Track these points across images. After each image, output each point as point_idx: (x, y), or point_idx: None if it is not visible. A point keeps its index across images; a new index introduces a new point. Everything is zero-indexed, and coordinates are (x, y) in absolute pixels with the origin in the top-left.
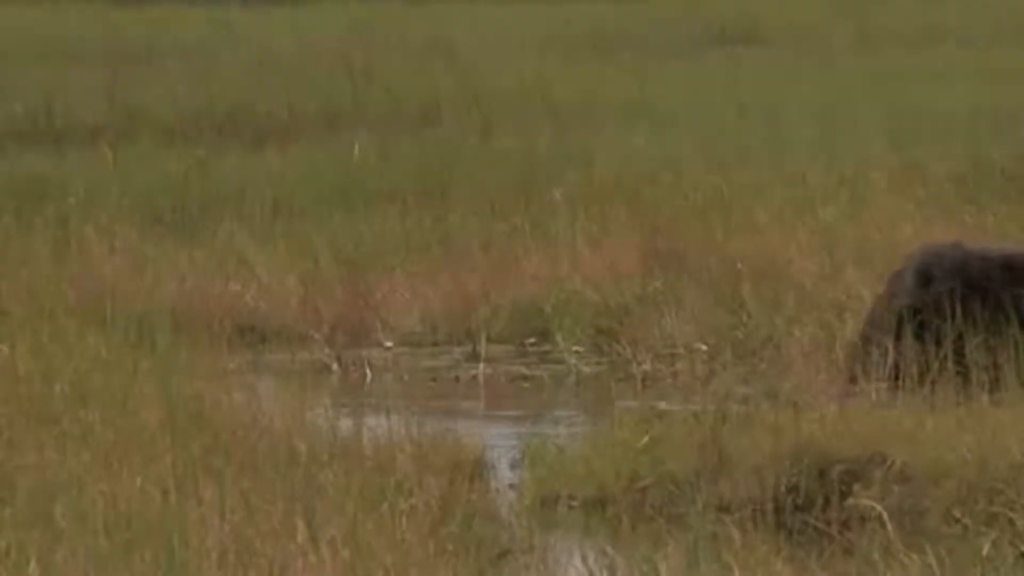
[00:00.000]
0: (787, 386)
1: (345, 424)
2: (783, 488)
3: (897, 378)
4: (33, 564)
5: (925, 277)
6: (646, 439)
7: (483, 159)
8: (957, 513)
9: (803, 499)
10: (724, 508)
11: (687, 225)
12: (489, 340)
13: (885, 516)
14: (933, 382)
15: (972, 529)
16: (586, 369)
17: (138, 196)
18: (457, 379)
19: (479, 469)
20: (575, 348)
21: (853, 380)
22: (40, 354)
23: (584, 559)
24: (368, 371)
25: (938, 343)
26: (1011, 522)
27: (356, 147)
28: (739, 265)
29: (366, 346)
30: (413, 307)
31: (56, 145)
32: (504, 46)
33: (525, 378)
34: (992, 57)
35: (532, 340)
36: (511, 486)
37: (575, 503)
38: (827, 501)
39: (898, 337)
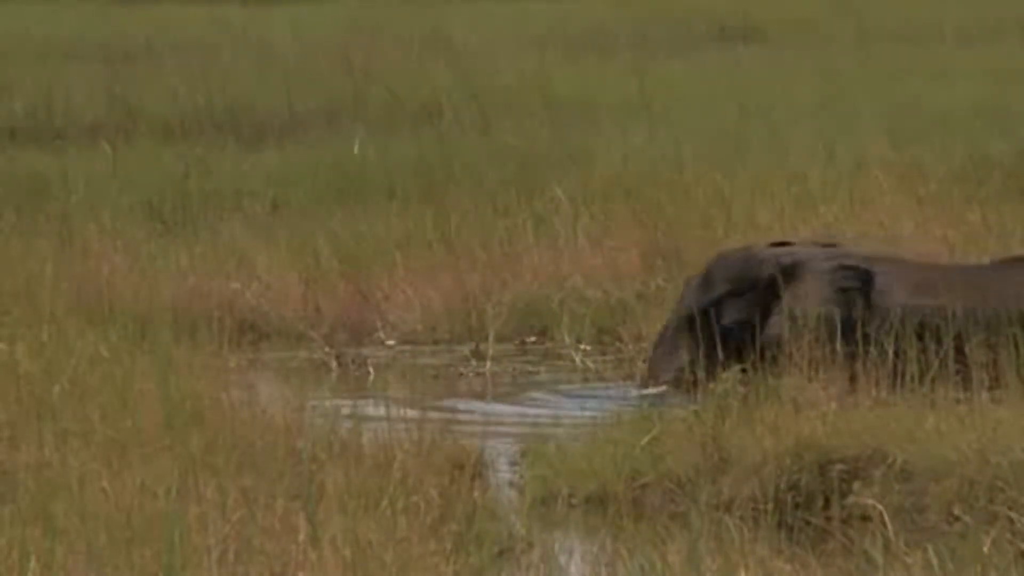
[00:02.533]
0: (788, 384)
1: (345, 422)
2: (783, 486)
3: (692, 379)
4: (33, 562)
5: (707, 281)
6: (647, 437)
7: (483, 157)
8: (958, 511)
9: (803, 497)
10: (724, 506)
11: (688, 223)
12: (489, 339)
13: (886, 514)
14: (712, 384)
15: (973, 527)
16: (592, 367)
17: (138, 194)
18: (461, 375)
19: (480, 467)
20: (582, 347)
21: (645, 382)
22: (40, 352)
23: (585, 557)
24: (371, 369)
25: (716, 345)
26: (1011, 520)
27: (356, 145)
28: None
29: (367, 344)
30: (414, 305)
31: (56, 143)
32: (504, 43)
33: (530, 375)
34: (993, 55)
35: (532, 338)
36: (512, 484)
37: (575, 501)
38: (827, 499)
39: (685, 339)
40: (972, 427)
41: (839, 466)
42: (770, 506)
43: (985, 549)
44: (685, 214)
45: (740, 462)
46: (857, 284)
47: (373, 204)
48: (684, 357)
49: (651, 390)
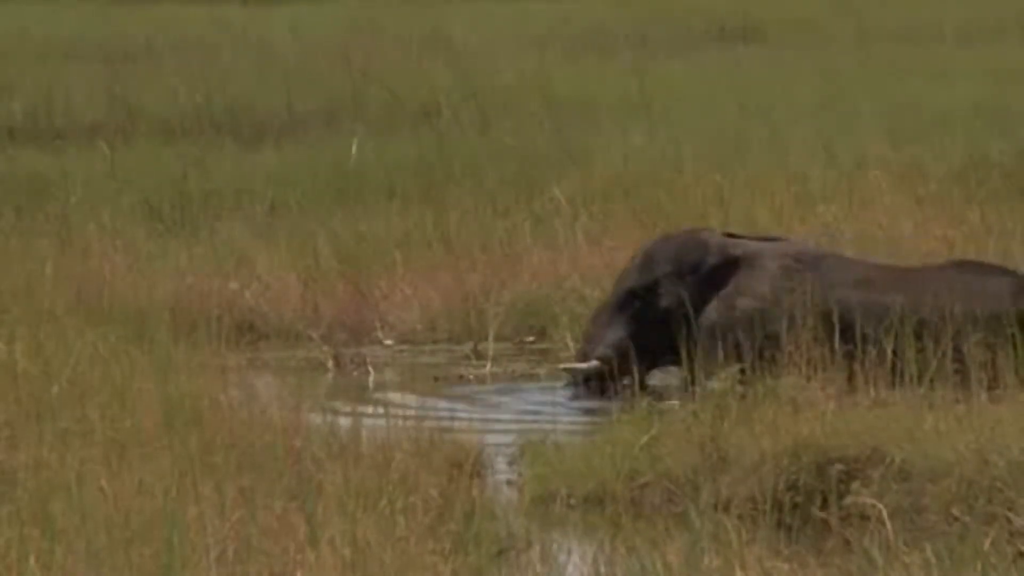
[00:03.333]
0: (786, 383)
1: (344, 422)
2: (782, 486)
3: (619, 357)
4: (32, 561)
5: (649, 261)
6: (646, 437)
7: (483, 156)
8: (956, 511)
9: (802, 497)
10: (723, 506)
11: (688, 223)
12: (488, 338)
13: (884, 514)
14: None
15: (971, 527)
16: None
17: (137, 194)
18: (461, 377)
19: (478, 467)
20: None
21: (583, 357)
22: (39, 352)
23: (583, 557)
24: (371, 369)
25: (655, 325)
26: (1009, 520)
27: (354, 146)
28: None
29: (366, 344)
30: (413, 305)
31: (55, 143)
32: (504, 43)
33: (530, 376)
34: (993, 55)
35: (532, 338)
36: (510, 483)
37: (574, 501)
38: (826, 499)
39: (621, 317)
40: (971, 427)
41: (838, 466)
42: (769, 506)
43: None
44: (685, 214)
45: (739, 462)
46: (801, 281)
47: (372, 204)
48: (618, 334)
49: (581, 365)
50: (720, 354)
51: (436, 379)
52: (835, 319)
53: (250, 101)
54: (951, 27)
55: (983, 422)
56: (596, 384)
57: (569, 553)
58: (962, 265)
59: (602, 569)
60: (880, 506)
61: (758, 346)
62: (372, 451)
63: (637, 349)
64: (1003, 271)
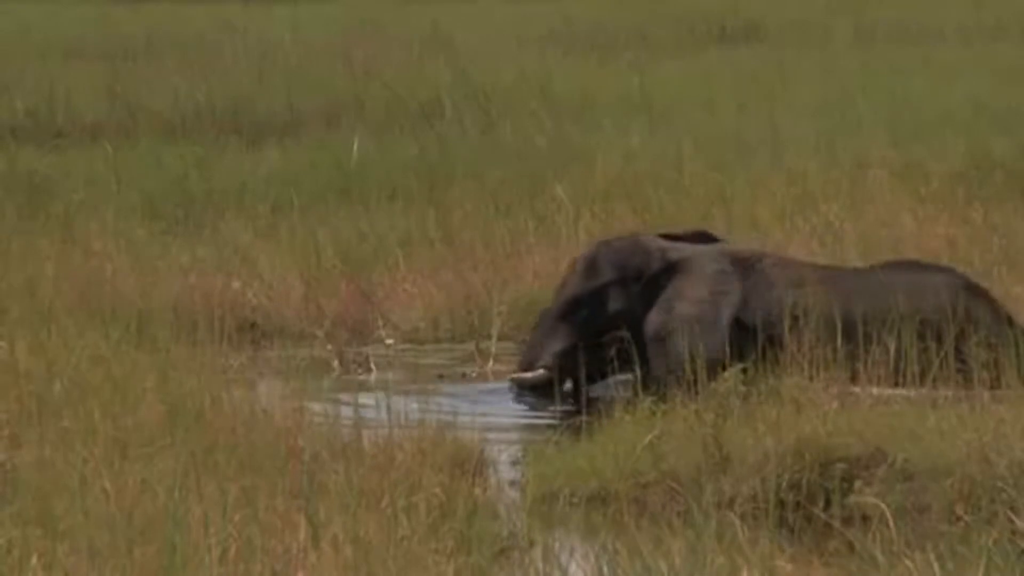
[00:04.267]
0: (789, 383)
1: (346, 421)
2: (785, 485)
3: (564, 365)
4: (34, 561)
5: (592, 268)
6: (649, 436)
7: (484, 156)
8: (959, 510)
9: (805, 496)
10: (726, 505)
11: (689, 222)
12: (491, 337)
13: (887, 513)
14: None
15: (974, 527)
16: None
17: (139, 193)
18: (464, 376)
19: (480, 466)
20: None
21: (527, 366)
22: (41, 351)
23: (586, 556)
24: (374, 368)
25: (597, 332)
26: (1012, 520)
27: (355, 146)
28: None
29: (368, 343)
30: (415, 304)
31: (57, 142)
32: (504, 43)
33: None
34: (993, 53)
35: None
36: (512, 483)
37: (577, 500)
38: (829, 498)
39: (565, 325)
40: (973, 427)
41: (840, 465)
42: (772, 505)
43: (987, 548)
44: (686, 213)
45: (742, 461)
46: (736, 283)
47: (374, 203)
48: (563, 343)
49: (527, 375)
50: (663, 360)
51: (440, 376)
52: (773, 319)
53: (252, 100)
54: (951, 27)
55: (985, 422)
56: (541, 393)
57: (572, 552)
58: (900, 265)
59: (605, 569)
60: (883, 506)
61: (698, 350)
62: (374, 450)
63: (583, 357)
64: (941, 270)
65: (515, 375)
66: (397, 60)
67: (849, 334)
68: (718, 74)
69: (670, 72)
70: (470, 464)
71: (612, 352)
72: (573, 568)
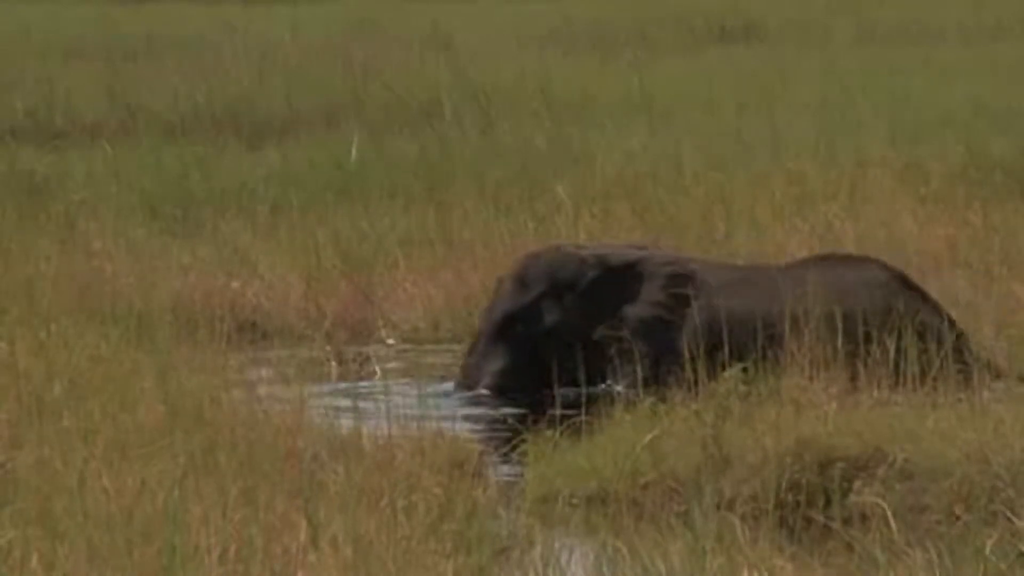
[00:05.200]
0: (788, 383)
1: (345, 421)
2: (785, 485)
3: (506, 384)
4: (35, 561)
5: (522, 283)
6: (648, 436)
7: (484, 155)
8: (959, 511)
9: (805, 496)
10: (726, 505)
11: (688, 222)
12: None
13: (887, 513)
14: (548, 387)
15: (974, 527)
16: None
17: (139, 193)
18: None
19: (480, 466)
20: None
21: (461, 387)
22: (40, 351)
23: (585, 556)
24: (376, 368)
25: (537, 347)
26: (1011, 520)
27: (355, 146)
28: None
29: (368, 343)
30: (415, 304)
31: (56, 142)
32: (504, 43)
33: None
34: (992, 53)
35: None
36: (512, 483)
37: (576, 500)
38: (829, 498)
39: (501, 343)
40: (972, 427)
41: (840, 465)
42: (771, 506)
43: (986, 549)
44: (686, 213)
45: (741, 461)
46: (686, 288)
47: (374, 203)
48: (500, 362)
49: (468, 395)
50: (616, 366)
51: (441, 377)
52: (722, 324)
53: (251, 100)
54: (951, 27)
55: (985, 422)
56: (483, 413)
57: (571, 553)
58: (827, 260)
59: (604, 569)
60: (882, 506)
61: (654, 354)
62: (374, 450)
63: (523, 374)
64: (870, 265)
65: (457, 396)
66: (397, 60)
67: (773, 336)
68: (718, 74)
69: (670, 72)
70: (469, 464)
71: (612, 352)
72: (572, 568)
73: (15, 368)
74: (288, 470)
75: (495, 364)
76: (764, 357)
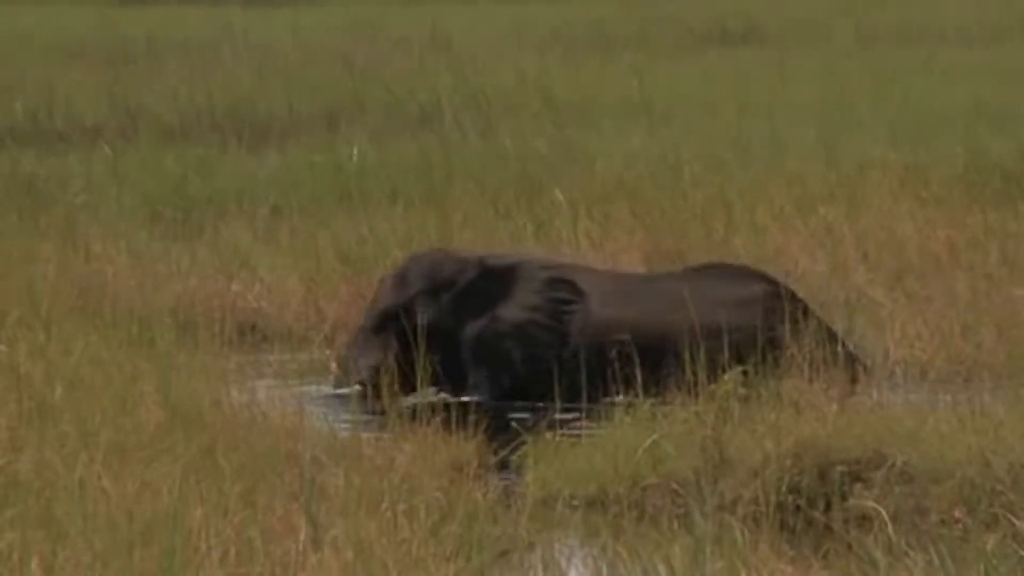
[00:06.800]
0: (788, 386)
1: (345, 424)
2: (785, 488)
3: (378, 380)
4: (35, 564)
5: (403, 281)
6: (648, 439)
7: (484, 159)
8: (958, 513)
9: (805, 499)
10: (726, 508)
11: (688, 224)
12: None
13: (886, 516)
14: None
15: (973, 530)
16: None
17: (139, 195)
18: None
19: (480, 469)
20: None
21: (339, 382)
22: (41, 354)
23: (586, 559)
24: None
25: (420, 345)
26: (1011, 523)
27: (355, 148)
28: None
29: None
30: None
31: (57, 144)
32: (504, 45)
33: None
34: (993, 55)
35: None
36: (512, 485)
37: (577, 503)
38: (829, 501)
39: (379, 338)
40: (972, 430)
41: (840, 468)
42: (771, 508)
43: (986, 551)
44: (686, 215)
45: (741, 464)
46: (567, 294)
47: (374, 206)
48: (378, 356)
49: (344, 390)
50: (487, 368)
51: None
52: (599, 331)
53: (252, 103)
54: (951, 27)
55: (985, 425)
56: (361, 407)
57: (571, 555)
58: (709, 270)
59: (604, 571)
60: (882, 508)
61: (526, 357)
62: (374, 453)
63: (396, 370)
64: (752, 277)
65: (332, 391)
66: (397, 63)
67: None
68: (718, 75)
69: (670, 74)
70: (470, 467)
71: (613, 354)
72: (573, 571)
73: (16, 371)
74: (288, 472)
75: (369, 359)
76: (643, 365)
